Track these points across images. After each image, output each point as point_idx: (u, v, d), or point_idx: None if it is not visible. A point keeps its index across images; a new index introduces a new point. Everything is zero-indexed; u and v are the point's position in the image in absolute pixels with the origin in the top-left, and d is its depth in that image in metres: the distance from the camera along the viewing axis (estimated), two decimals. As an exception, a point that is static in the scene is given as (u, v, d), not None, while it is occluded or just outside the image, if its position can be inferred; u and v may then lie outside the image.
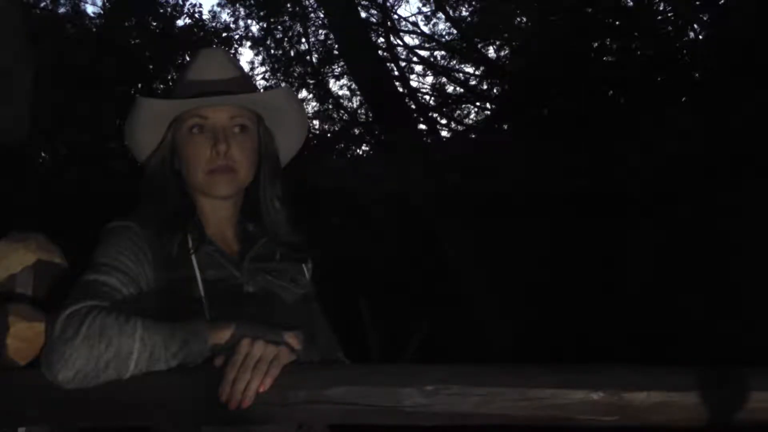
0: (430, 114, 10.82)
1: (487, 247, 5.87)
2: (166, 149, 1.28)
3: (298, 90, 11.80)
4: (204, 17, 11.42)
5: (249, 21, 11.55)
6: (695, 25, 8.01)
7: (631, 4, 8.70)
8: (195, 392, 1.02)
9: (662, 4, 8.54)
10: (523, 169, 6.88)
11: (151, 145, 1.30)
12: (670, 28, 8.35)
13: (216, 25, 11.43)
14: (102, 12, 10.58)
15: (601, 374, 1.01)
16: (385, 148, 8.92)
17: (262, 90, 1.40)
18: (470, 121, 11.75)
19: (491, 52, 11.02)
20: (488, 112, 11.27)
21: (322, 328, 1.37)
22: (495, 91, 10.91)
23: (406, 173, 6.24)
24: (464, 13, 10.96)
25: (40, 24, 9.29)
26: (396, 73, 10.49)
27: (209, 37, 11.02)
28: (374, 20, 10.77)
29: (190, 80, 1.27)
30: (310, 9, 11.09)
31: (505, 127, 10.09)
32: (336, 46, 9.93)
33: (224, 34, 11.36)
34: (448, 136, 11.27)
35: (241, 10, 11.35)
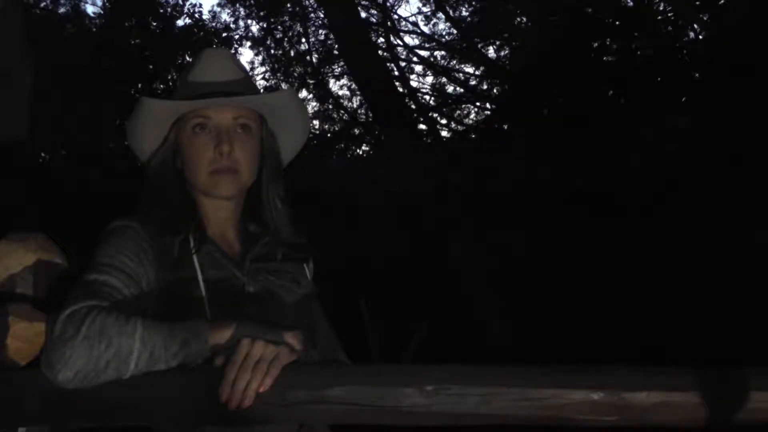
0: (430, 114, 10.82)
1: (487, 247, 5.87)
2: (168, 149, 1.28)
3: (298, 90, 11.80)
4: (204, 17, 11.44)
5: (249, 21, 11.57)
6: (695, 25, 8.01)
7: (631, 4, 8.70)
8: (195, 392, 1.02)
9: (662, 4, 8.55)
10: (523, 169, 6.88)
11: (153, 145, 1.30)
12: (670, 28, 8.35)
13: (216, 25, 11.44)
14: (102, 12, 10.60)
15: (601, 374, 1.01)
16: (385, 148, 8.93)
17: (263, 91, 1.41)
18: (470, 121, 11.76)
19: (491, 52, 11.04)
20: (488, 112, 11.28)
21: (322, 328, 1.37)
22: (495, 91, 10.91)
23: (406, 173, 6.23)
24: (464, 13, 10.97)
25: (40, 24, 9.30)
26: (396, 73, 10.48)
27: (209, 37, 11.03)
28: (374, 20, 10.77)
29: (192, 81, 1.27)
30: (310, 9, 11.10)
31: (505, 127, 10.09)
32: (336, 46, 9.93)
33: (224, 34, 11.37)
34: (448, 136, 11.29)
35: (241, 10, 11.36)
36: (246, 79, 1.30)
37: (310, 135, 1.45)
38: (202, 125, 1.23)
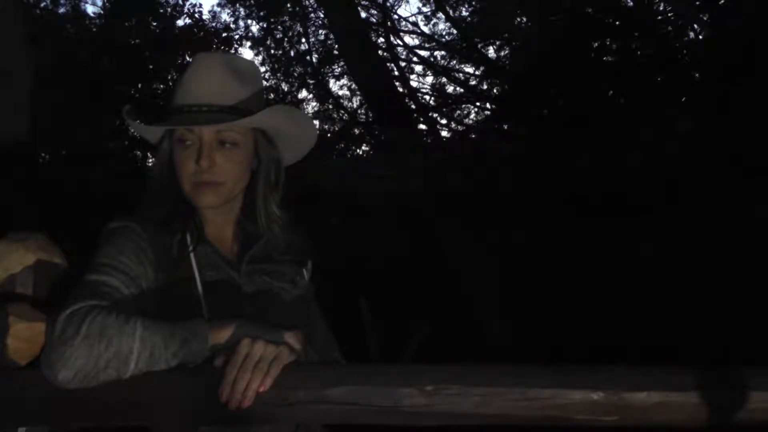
0: (430, 114, 10.81)
1: (487, 247, 5.86)
2: (165, 153, 1.29)
3: (298, 90, 11.81)
4: (204, 17, 11.45)
5: (249, 21, 11.58)
6: (695, 25, 8.01)
7: (631, 4, 8.71)
8: (195, 392, 1.02)
9: (662, 4, 8.55)
10: (523, 169, 6.88)
11: (157, 136, 1.31)
12: (670, 28, 8.35)
13: (216, 25, 11.45)
14: (102, 12, 10.60)
15: (601, 374, 1.01)
16: (385, 148, 8.92)
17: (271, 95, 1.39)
18: (470, 121, 11.76)
19: (491, 52, 11.03)
20: (488, 112, 11.27)
21: (319, 328, 1.37)
22: (495, 91, 10.91)
23: (406, 173, 6.23)
24: (464, 13, 10.97)
25: (40, 24, 9.31)
26: (396, 73, 10.48)
27: (209, 37, 11.03)
28: (374, 20, 10.77)
29: (178, 94, 1.26)
30: (310, 9, 11.10)
31: (505, 127, 10.09)
32: (336, 46, 9.93)
33: (224, 34, 11.37)
34: (448, 136, 11.28)
35: (241, 10, 11.37)
36: (236, 89, 1.25)
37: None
38: (185, 139, 1.23)
